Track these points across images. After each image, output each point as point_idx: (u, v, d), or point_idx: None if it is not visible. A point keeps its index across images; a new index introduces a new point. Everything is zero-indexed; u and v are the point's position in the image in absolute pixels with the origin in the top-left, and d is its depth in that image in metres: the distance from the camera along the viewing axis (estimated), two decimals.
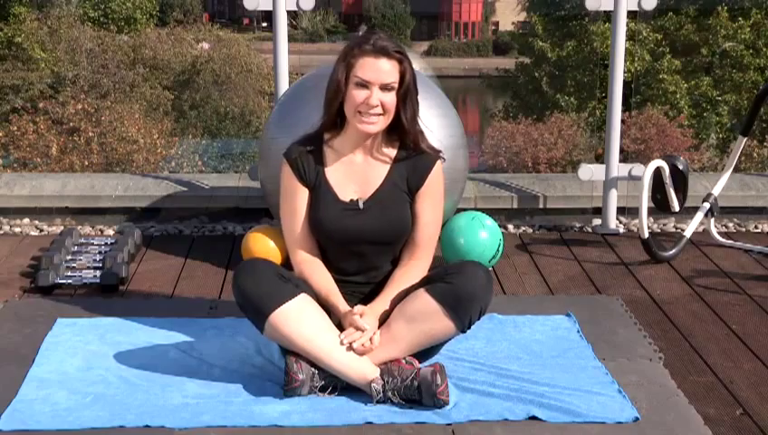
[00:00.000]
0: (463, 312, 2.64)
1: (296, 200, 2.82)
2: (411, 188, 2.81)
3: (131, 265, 3.92)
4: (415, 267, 2.81)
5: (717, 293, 3.66)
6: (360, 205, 2.79)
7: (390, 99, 2.70)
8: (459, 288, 2.64)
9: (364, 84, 2.68)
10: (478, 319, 2.70)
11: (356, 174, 2.81)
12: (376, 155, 2.81)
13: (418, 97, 2.79)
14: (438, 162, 2.83)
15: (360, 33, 2.84)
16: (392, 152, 2.82)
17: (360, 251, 2.81)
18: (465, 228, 3.75)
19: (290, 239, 2.86)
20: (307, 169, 2.80)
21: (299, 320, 2.63)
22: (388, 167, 2.81)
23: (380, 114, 2.70)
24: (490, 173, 9.31)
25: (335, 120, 2.79)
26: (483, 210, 3.98)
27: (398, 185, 2.80)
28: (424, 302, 2.66)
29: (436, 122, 3.62)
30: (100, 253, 3.96)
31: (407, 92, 2.72)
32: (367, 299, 2.82)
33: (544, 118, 14.13)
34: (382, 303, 2.74)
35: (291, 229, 2.85)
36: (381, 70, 2.68)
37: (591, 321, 3.28)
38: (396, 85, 2.70)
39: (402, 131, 2.78)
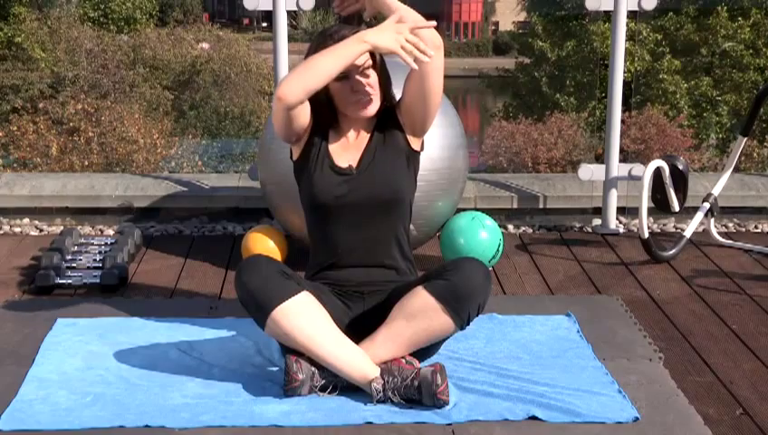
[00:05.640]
0: (461, 308, 2.65)
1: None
2: (394, 113, 2.82)
3: (131, 265, 3.92)
4: None
5: (717, 293, 3.66)
6: (354, 171, 2.80)
7: (374, 79, 2.74)
8: (457, 285, 2.64)
9: (343, 76, 2.70)
10: (477, 315, 2.70)
11: (350, 146, 2.83)
12: (365, 126, 2.84)
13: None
14: None
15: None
16: (374, 120, 2.85)
17: (359, 222, 2.79)
18: (464, 228, 3.75)
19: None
20: (319, 120, 2.81)
21: (301, 317, 2.64)
22: (370, 133, 2.85)
23: (371, 95, 2.74)
24: (490, 173, 9.29)
25: (328, 121, 2.82)
26: (483, 210, 3.98)
27: (383, 139, 2.82)
28: (423, 299, 2.66)
29: (436, 122, 3.61)
30: (100, 253, 3.96)
31: (382, 68, 2.77)
32: (368, 299, 2.83)
33: (544, 118, 14.09)
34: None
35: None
36: None
37: (591, 321, 3.29)
38: (370, 63, 2.73)
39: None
